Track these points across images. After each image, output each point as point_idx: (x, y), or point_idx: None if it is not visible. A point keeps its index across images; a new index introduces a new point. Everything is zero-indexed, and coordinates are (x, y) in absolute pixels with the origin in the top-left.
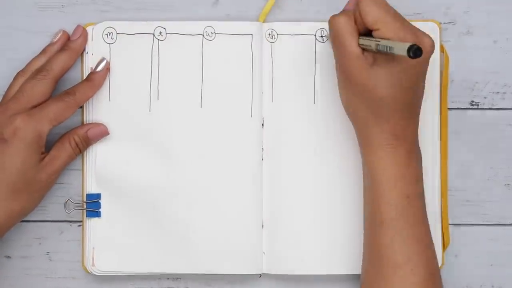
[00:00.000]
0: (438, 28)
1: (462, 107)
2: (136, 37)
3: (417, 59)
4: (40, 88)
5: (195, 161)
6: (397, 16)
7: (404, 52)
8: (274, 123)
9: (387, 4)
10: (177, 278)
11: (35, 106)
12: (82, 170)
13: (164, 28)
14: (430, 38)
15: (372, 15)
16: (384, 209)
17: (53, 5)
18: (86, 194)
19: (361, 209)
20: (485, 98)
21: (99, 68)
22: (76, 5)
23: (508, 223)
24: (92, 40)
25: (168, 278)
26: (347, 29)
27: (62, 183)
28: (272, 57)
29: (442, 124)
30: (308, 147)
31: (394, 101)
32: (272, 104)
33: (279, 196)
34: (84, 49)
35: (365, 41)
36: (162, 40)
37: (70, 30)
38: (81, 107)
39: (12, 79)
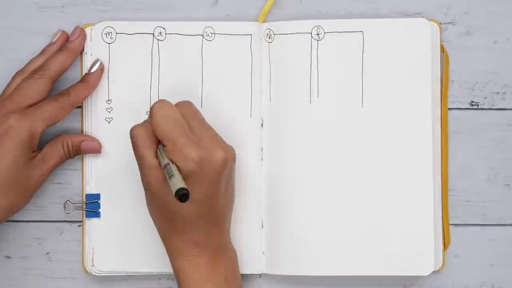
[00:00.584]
0: (438, 28)
1: (462, 107)
2: (135, 37)
3: (203, 175)
4: (36, 88)
5: None
6: (187, 131)
7: (173, 192)
8: (273, 123)
9: (177, 118)
10: None
11: (30, 106)
12: (82, 170)
13: (164, 28)
14: (225, 151)
15: (161, 132)
16: None
17: (53, 5)
18: (86, 195)
19: (361, 209)
20: (485, 98)
21: (93, 69)
22: (76, 5)
23: (508, 223)
24: (91, 40)
25: (168, 278)
26: (143, 140)
27: (62, 183)
28: (270, 57)
29: (442, 124)
30: (307, 146)
31: (188, 215)
32: (271, 104)
33: (278, 196)
34: (83, 49)
35: (159, 154)
36: (161, 40)
37: (70, 30)
38: (80, 106)
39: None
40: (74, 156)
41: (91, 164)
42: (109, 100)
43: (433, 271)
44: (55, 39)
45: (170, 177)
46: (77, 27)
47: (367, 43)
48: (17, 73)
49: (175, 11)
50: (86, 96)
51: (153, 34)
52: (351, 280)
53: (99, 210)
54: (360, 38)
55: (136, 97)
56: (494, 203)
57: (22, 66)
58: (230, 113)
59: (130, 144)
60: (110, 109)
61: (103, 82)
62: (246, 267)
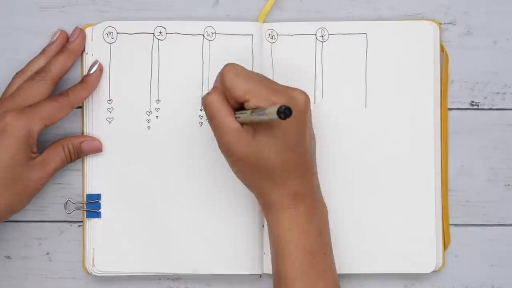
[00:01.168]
0: (438, 28)
1: (462, 107)
2: (136, 36)
3: (292, 116)
4: (38, 89)
5: (196, 161)
6: (263, 82)
7: (274, 116)
8: None
9: (250, 73)
10: (177, 278)
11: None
12: (82, 170)
13: (164, 28)
14: (303, 93)
15: (238, 89)
16: (289, 267)
17: (53, 5)
18: (86, 195)
19: (362, 207)
20: (485, 98)
21: (92, 70)
22: (76, 5)
23: (508, 223)
24: (92, 40)
25: (168, 278)
26: (220, 107)
27: (62, 184)
28: (272, 57)
29: (442, 124)
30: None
31: (285, 164)
32: None
33: None
34: (84, 50)
35: (240, 114)
36: (162, 40)
37: (70, 30)
38: (81, 107)
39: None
40: (75, 159)
41: (91, 164)
42: (110, 100)
43: (433, 271)
44: (55, 38)
45: (262, 118)
46: (76, 27)
47: (371, 45)
48: (17, 73)
49: (175, 11)
50: (85, 96)
51: (153, 33)
52: (352, 278)
53: (100, 210)
54: (364, 40)
55: (137, 97)
56: (494, 203)
57: (22, 66)
58: None
59: (206, 114)
60: (111, 109)
61: (104, 82)
62: (246, 267)
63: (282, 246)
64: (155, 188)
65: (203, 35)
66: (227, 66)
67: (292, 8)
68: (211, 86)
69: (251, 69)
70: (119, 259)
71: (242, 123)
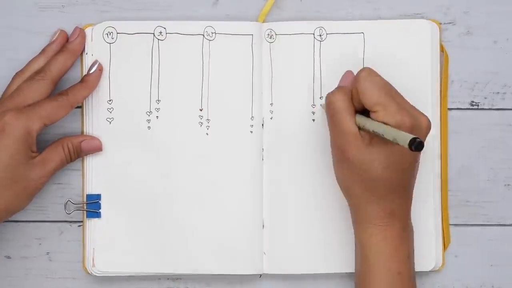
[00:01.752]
0: (438, 28)
1: (462, 107)
2: (136, 36)
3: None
4: (37, 89)
5: (195, 161)
6: (395, 97)
7: (405, 144)
8: (274, 123)
9: (385, 84)
10: (177, 278)
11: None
12: (82, 170)
13: (164, 28)
14: (426, 118)
15: (371, 97)
16: (376, 286)
17: (53, 5)
18: (86, 195)
19: None
20: (485, 98)
21: (92, 70)
22: (76, 5)
23: (508, 223)
24: (92, 40)
25: (168, 278)
26: (344, 107)
27: (62, 184)
28: (271, 57)
29: (442, 124)
30: (308, 147)
31: (389, 181)
32: (272, 104)
33: (279, 196)
34: (84, 50)
35: (362, 120)
36: (162, 40)
37: (70, 30)
38: (81, 107)
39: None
40: (75, 159)
41: (91, 164)
42: (110, 100)
43: (433, 271)
44: (54, 38)
45: (389, 138)
46: (76, 27)
47: (368, 44)
48: (17, 73)
49: (175, 11)
50: (84, 96)
51: (153, 33)
52: (352, 277)
53: (100, 210)
54: (362, 39)
55: (137, 97)
56: (494, 203)
57: (22, 66)
58: (231, 113)
59: (327, 111)
60: (111, 109)
61: (104, 82)
62: (246, 267)
63: (371, 264)
64: (155, 188)
65: (203, 35)
66: (365, 70)
67: (292, 8)
68: (211, 85)
69: (251, 69)
70: (119, 259)
71: (360, 128)
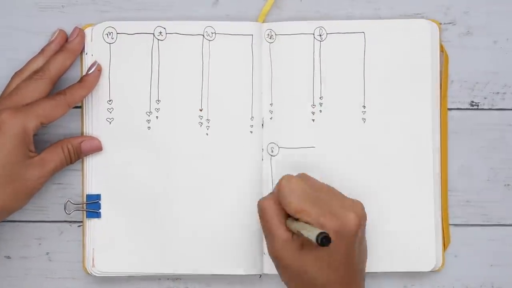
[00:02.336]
0: (438, 28)
1: (462, 107)
2: (136, 36)
3: (340, 238)
4: (35, 88)
5: (195, 161)
6: (316, 201)
7: (314, 240)
8: (274, 123)
9: (305, 190)
10: (177, 279)
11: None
12: (82, 170)
13: (164, 28)
14: (355, 214)
15: (291, 205)
16: None
17: (53, 5)
18: (86, 195)
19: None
20: (485, 98)
21: (91, 70)
22: (76, 5)
23: (508, 223)
24: (91, 41)
25: (168, 279)
26: (273, 213)
27: (62, 184)
28: (271, 57)
29: (442, 124)
30: (309, 146)
31: (328, 281)
32: (272, 104)
33: None
34: (83, 50)
35: (290, 224)
36: (162, 40)
37: (70, 30)
38: (80, 107)
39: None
40: (75, 160)
41: (91, 164)
42: (110, 101)
43: (433, 271)
44: (53, 38)
45: (305, 232)
46: (75, 27)
47: (369, 44)
48: (16, 73)
49: (175, 11)
50: (83, 96)
51: (153, 34)
52: None
53: (100, 210)
54: (362, 39)
55: (137, 97)
56: (494, 203)
57: (22, 66)
58: (231, 113)
59: (258, 216)
60: (111, 109)
61: (104, 82)
62: (246, 267)
63: None
64: (155, 188)
65: (203, 35)
66: (284, 179)
67: (292, 8)
68: (211, 86)
69: (251, 69)
70: (119, 259)
71: (292, 231)
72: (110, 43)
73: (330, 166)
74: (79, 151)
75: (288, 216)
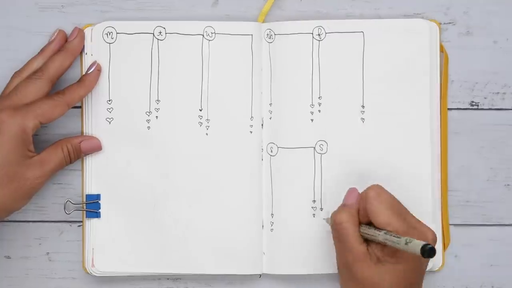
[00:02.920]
0: (437, 28)
1: (462, 107)
2: (135, 36)
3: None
4: (35, 88)
5: (195, 161)
6: (403, 215)
7: (416, 252)
8: (273, 123)
9: (394, 203)
10: (177, 278)
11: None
12: (82, 170)
13: (164, 28)
14: (432, 231)
15: (381, 219)
16: None
17: (53, 5)
18: (86, 195)
19: None
20: (485, 98)
21: (90, 70)
22: (76, 5)
23: (508, 223)
24: (91, 40)
25: (168, 278)
26: (351, 228)
27: (62, 184)
28: (270, 57)
29: (442, 124)
30: (308, 146)
31: None
32: (272, 104)
33: (279, 196)
34: (83, 50)
35: (369, 231)
36: (161, 40)
37: (70, 30)
38: (80, 107)
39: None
40: (75, 160)
41: (91, 164)
42: (109, 100)
43: (433, 271)
44: (53, 38)
45: (397, 242)
46: (75, 28)
47: (368, 43)
48: (15, 73)
49: (175, 11)
50: (82, 95)
51: (153, 33)
52: None
53: (99, 210)
54: (361, 38)
55: (136, 97)
56: (494, 203)
57: (22, 66)
58: (230, 113)
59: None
60: (111, 109)
61: (104, 82)
62: (246, 267)
63: None
64: (155, 188)
65: (203, 35)
66: (374, 189)
67: (292, 8)
68: (211, 86)
69: (251, 69)
70: (119, 259)
71: (366, 240)
72: (109, 43)
73: (329, 165)
74: (78, 150)
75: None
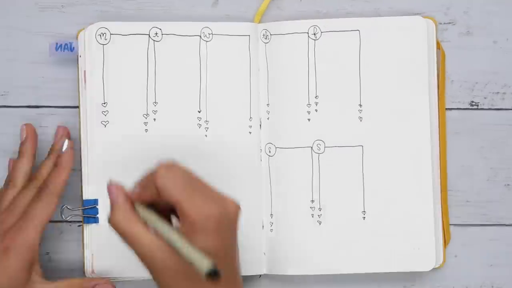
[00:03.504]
0: (433, 25)
1: (462, 107)
2: (130, 37)
3: (224, 226)
4: (44, 210)
5: (194, 163)
6: (199, 189)
7: (202, 273)
8: (272, 123)
9: (187, 177)
10: None
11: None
12: (80, 175)
13: (160, 29)
14: (234, 202)
15: (172, 195)
16: None
17: (53, 5)
18: (83, 200)
19: (361, 207)
20: (485, 98)
21: (64, 149)
22: (76, 5)
23: (508, 223)
24: (85, 41)
25: None
26: (128, 224)
27: None
28: (267, 57)
29: (440, 122)
30: (307, 145)
31: None
32: (269, 105)
33: (278, 197)
34: (77, 52)
35: (159, 228)
36: (158, 41)
37: (70, 30)
38: (78, 107)
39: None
40: None
41: (88, 169)
42: (104, 103)
43: (434, 270)
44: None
45: (186, 254)
46: (59, 127)
47: (364, 42)
48: (7, 184)
49: (175, 11)
50: (65, 180)
51: (148, 35)
52: (352, 277)
53: (97, 215)
54: (357, 37)
55: (132, 99)
56: (494, 203)
57: (22, 66)
58: (228, 114)
59: (109, 199)
60: (106, 112)
61: (98, 84)
62: (247, 268)
63: None
64: None
65: (200, 36)
66: (163, 167)
67: (292, 8)
68: (209, 87)
69: (249, 70)
70: (119, 264)
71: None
72: (103, 44)
73: (328, 165)
74: None
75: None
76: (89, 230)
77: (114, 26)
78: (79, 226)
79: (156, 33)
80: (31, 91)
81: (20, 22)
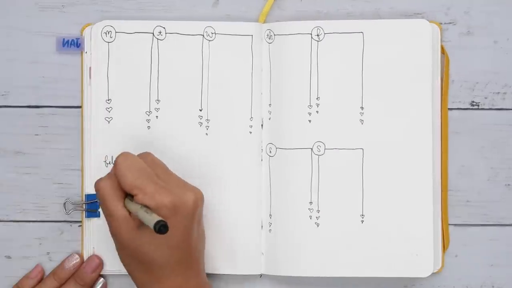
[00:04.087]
0: (438, 29)
1: (462, 107)
2: (135, 36)
3: (179, 215)
4: None
5: (194, 162)
6: (153, 179)
7: (152, 227)
8: (273, 123)
9: (142, 167)
10: None
11: None
12: (81, 170)
13: (164, 28)
14: (193, 193)
15: (127, 182)
16: None
17: (53, 5)
18: (85, 195)
19: (360, 209)
20: (486, 98)
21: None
22: (76, 5)
23: (508, 223)
24: (90, 39)
25: None
26: (110, 193)
27: (62, 184)
28: (270, 57)
29: (442, 124)
30: (307, 147)
31: (166, 261)
32: (271, 105)
33: (277, 197)
34: (83, 48)
35: (129, 205)
36: (161, 40)
37: (69, 30)
38: (78, 107)
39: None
40: None
41: (90, 164)
42: (108, 100)
43: (433, 273)
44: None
45: (144, 217)
46: (93, 257)
47: (367, 44)
48: None
49: (175, 11)
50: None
51: (153, 33)
52: (350, 281)
53: (99, 210)
54: (360, 39)
55: (136, 96)
56: (494, 203)
57: (22, 66)
58: (230, 114)
59: (96, 196)
60: (110, 108)
61: (103, 81)
62: (246, 267)
63: None
64: None
65: (203, 35)
66: (121, 156)
67: (293, 8)
68: (211, 86)
69: (251, 70)
70: (119, 259)
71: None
72: (108, 42)
73: (328, 166)
74: None
75: (126, 195)
76: (90, 224)
77: (119, 24)
78: (79, 226)
79: (160, 32)
80: (32, 91)
81: (20, 22)
